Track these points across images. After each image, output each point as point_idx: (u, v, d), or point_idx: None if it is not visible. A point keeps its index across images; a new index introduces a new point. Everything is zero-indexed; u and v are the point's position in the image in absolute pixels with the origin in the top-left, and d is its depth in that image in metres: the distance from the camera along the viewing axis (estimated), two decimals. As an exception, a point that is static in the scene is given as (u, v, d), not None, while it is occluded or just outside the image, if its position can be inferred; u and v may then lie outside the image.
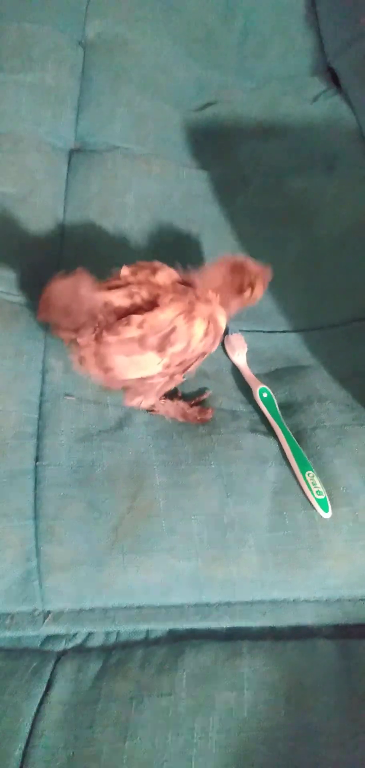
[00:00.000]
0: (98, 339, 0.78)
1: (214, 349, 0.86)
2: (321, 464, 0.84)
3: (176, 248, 1.11)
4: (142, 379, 0.82)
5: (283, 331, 1.06)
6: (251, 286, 0.86)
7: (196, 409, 0.90)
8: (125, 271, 0.83)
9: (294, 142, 1.36)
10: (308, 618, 0.77)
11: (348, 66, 1.46)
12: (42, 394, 0.88)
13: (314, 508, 0.80)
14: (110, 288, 0.81)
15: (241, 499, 0.81)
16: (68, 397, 0.88)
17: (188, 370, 0.85)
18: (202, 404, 0.92)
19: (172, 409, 0.89)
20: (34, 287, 0.85)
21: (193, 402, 0.91)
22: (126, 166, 1.17)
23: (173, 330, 0.78)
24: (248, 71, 1.50)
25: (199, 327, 0.80)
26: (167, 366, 0.80)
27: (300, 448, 0.85)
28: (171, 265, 0.86)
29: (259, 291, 0.88)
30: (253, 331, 1.06)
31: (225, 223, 1.19)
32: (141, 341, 0.77)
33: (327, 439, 0.87)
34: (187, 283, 0.83)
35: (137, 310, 0.78)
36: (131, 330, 0.77)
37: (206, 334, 0.81)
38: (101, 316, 0.78)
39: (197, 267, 0.86)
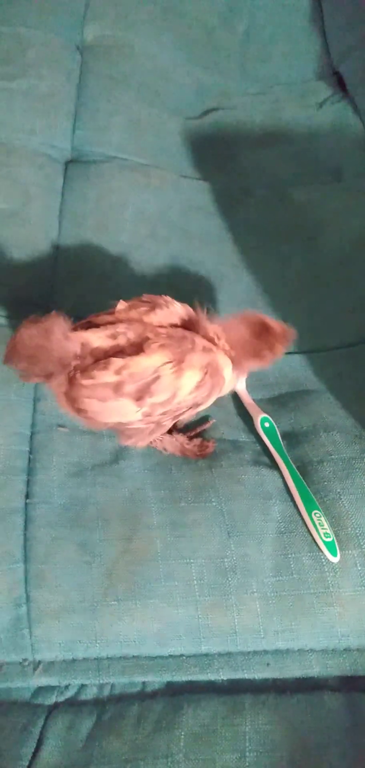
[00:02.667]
0: (71, 381, 0.73)
1: (210, 401, 0.80)
2: (327, 501, 0.79)
3: (176, 264, 1.07)
4: (122, 424, 0.77)
5: (287, 353, 1.01)
6: (271, 348, 0.81)
7: (196, 443, 0.85)
8: (120, 306, 0.78)
9: (298, 150, 1.32)
10: (314, 669, 0.72)
11: (355, 70, 1.41)
12: (33, 425, 0.84)
13: (321, 551, 0.75)
14: (89, 326, 0.76)
15: (243, 540, 0.77)
16: (61, 428, 0.83)
17: (180, 419, 0.80)
18: (203, 436, 0.87)
19: (169, 444, 0.84)
20: (25, 309, 0.81)
21: (193, 434, 0.86)
22: (124, 178, 1.13)
23: (155, 379, 0.71)
24: (251, 76, 1.45)
25: (189, 379, 0.74)
26: (148, 414, 0.74)
27: (305, 484, 0.80)
28: (187, 299, 0.81)
29: (279, 352, 0.82)
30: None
31: (227, 236, 1.15)
32: (116, 387, 0.71)
33: (334, 473, 0.82)
34: (191, 326, 0.78)
35: (118, 352, 0.73)
36: (107, 374, 0.71)
37: (199, 386, 0.75)
38: (76, 361, 0.73)
39: (210, 301, 0.84)
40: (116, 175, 1.12)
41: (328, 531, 0.76)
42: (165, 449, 0.84)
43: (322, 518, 0.77)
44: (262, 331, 0.80)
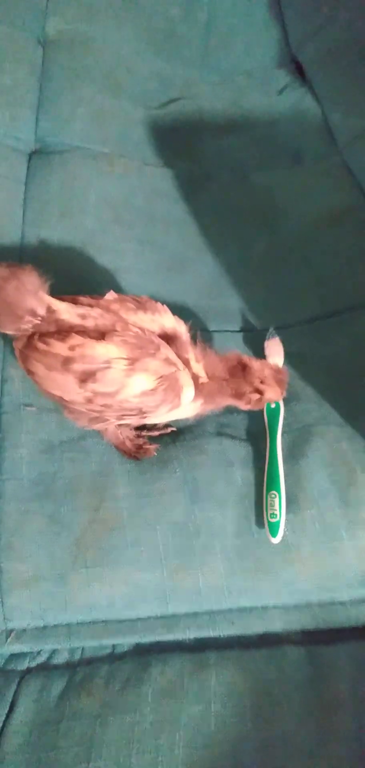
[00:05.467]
0: (29, 339, 0.75)
1: (159, 414, 0.77)
2: (287, 467, 0.83)
3: (140, 248, 1.09)
4: (63, 400, 0.76)
5: (250, 331, 1.05)
6: (259, 391, 0.80)
7: (138, 442, 0.85)
8: (109, 296, 0.80)
9: (259, 136, 1.34)
10: (276, 625, 0.76)
11: (313, 57, 1.44)
12: (1, 405, 0.86)
13: (264, 528, 0.78)
14: (65, 299, 0.78)
15: (207, 506, 0.80)
16: (29, 408, 0.85)
17: (124, 421, 0.78)
18: (155, 440, 0.87)
19: (112, 433, 0.84)
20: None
21: (145, 433, 0.86)
22: (87, 166, 1.14)
23: (104, 369, 0.72)
24: (212, 65, 1.47)
25: (138, 381, 0.73)
26: (89, 401, 0.74)
27: (278, 466, 0.82)
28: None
29: (273, 395, 0.82)
30: (221, 331, 1.04)
31: (191, 221, 1.17)
32: (65, 362, 0.72)
33: (293, 440, 0.86)
34: (170, 340, 0.78)
35: (82, 332, 0.74)
36: (61, 347, 0.72)
37: (147, 393, 0.73)
38: (34, 320, 0.75)
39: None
40: (80, 164, 1.14)
41: (276, 512, 0.78)
42: (106, 434, 0.84)
43: (276, 500, 0.79)
44: (239, 373, 0.80)
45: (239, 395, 0.80)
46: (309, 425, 0.87)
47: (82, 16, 1.38)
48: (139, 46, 1.41)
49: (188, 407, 0.80)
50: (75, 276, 0.98)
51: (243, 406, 0.82)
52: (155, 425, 0.87)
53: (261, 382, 0.80)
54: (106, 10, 1.40)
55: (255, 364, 0.81)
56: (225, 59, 1.49)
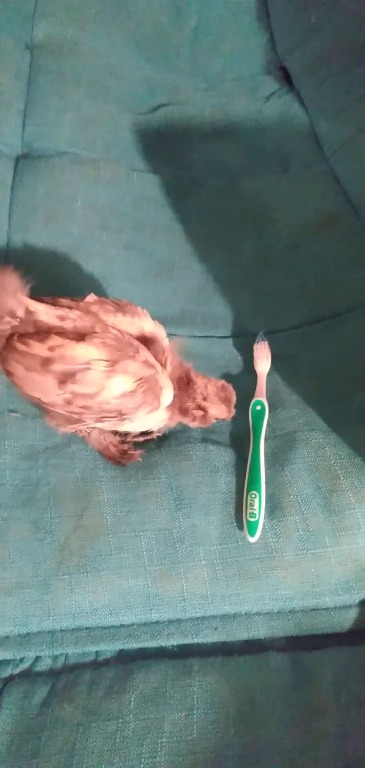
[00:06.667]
0: (8, 340, 0.75)
1: (138, 418, 0.77)
2: (271, 472, 0.83)
3: (127, 254, 1.09)
4: (42, 402, 0.76)
5: (237, 336, 1.05)
6: (202, 408, 0.80)
7: (122, 448, 0.85)
8: (90, 298, 0.80)
9: (247, 142, 1.36)
10: (260, 631, 0.76)
11: (300, 64, 1.46)
12: (-15, 411, 0.85)
13: (242, 527, 0.79)
14: (44, 301, 0.78)
15: (191, 512, 0.80)
16: (13, 414, 0.85)
17: (103, 424, 0.78)
18: (140, 445, 0.86)
19: (94, 439, 0.83)
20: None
21: (129, 438, 0.86)
22: (74, 171, 1.15)
23: (84, 370, 0.71)
24: (200, 71, 1.49)
25: (118, 383, 0.73)
26: (69, 402, 0.73)
27: (260, 467, 0.83)
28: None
29: (217, 413, 0.81)
30: (207, 336, 1.05)
31: (178, 227, 1.17)
32: (44, 362, 0.72)
33: (278, 447, 0.86)
34: (148, 343, 0.79)
35: (60, 334, 0.73)
36: (40, 348, 0.72)
37: (127, 395, 0.73)
38: (12, 320, 0.75)
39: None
40: (66, 169, 1.14)
41: (255, 512, 0.78)
42: (88, 440, 0.84)
43: (256, 500, 0.79)
44: (182, 383, 0.80)
45: (183, 411, 0.81)
46: (293, 431, 0.87)
47: (70, 21, 1.39)
48: (127, 52, 1.42)
49: (158, 416, 0.80)
50: (61, 281, 0.98)
51: (189, 422, 0.83)
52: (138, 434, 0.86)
53: (204, 399, 0.80)
54: (95, 15, 1.41)
55: (199, 380, 0.80)
56: (213, 66, 1.51)
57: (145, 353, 0.77)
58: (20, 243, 1.03)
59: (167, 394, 0.78)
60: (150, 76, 1.42)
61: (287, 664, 0.73)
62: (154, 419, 0.80)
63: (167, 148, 1.31)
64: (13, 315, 0.75)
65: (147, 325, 0.80)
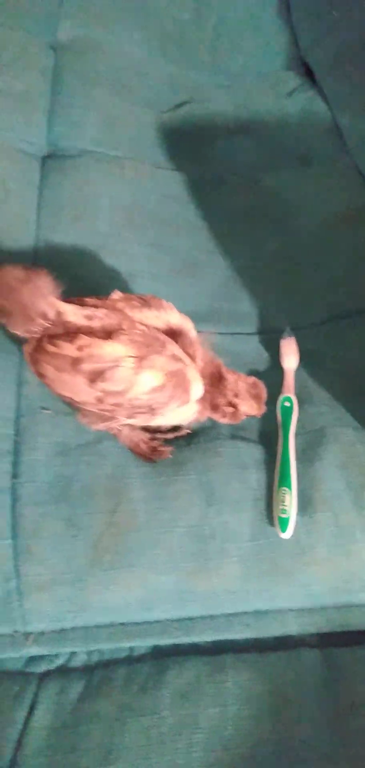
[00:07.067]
0: (38, 342, 0.76)
1: (169, 412, 0.78)
2: (302, 468, 0.83)
3: (152, 252, 1.10)
4: (74, 401, 0.77)
5: (263, 333, 1.05)
6: (233, 404, 0.81)
7: (153, 444, 0.85)
8: (115, 295, 0.80)
9: (269, 138, 1.35)
10: (292, 628, 0.76)
11: (322, 60, 1.44)
12: (18, 408, 0.86)
13: (273, 524, 0.79)
14: (72, 301, 0.78)
15: (222, 508, 0.80)
16: (45, 411, 0.86)
17: (135, 420, 0.79)
18: (170, 442, 0.87)
19: (126, 436, 0.84)
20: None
21: (160, 435, 0.87)
22: (99, 170, 1.15)
23: (113, 367, 0.72)
24: (222, 68, 1.48)
25: (147, 378, 0.73)
26: (100, 401, 0.74)
27: (290, 463, 0.83)
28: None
29: (248, 409, 0.82)
30: (232, 333, 1.05)
31: (201, 223, 1.17)
32: (74, 362, 0.73)
33: (307, 442, 0.86)
34: (176, 336, 0.79)
35: (89, 333, 0.74)
36: (70, 348, 0.73)
37: (157, 389, 0.74)
38: (45, 322, 0.76)
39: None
40: (92, 168, 1.15)
41: (286, 508, 0.78)
42: (119, 437, 0.84)
43: (286, 496, 0.79)
44: (215, 379, 0.81)
45: (214, 407, 0.81)
46: (323, 427, 0.87)
47: (94, 21, 1.39)
48: (150, 51, 1.43)
49: (192, 408, 0.80)
50: (88, 279, 0.98)
51: (219, 418, 0.83)
52: (167, 430, 0.87)
53: (235, 396, 0.80)
54: (117, 15, 1.42)
55: (230, 376, 0.81)
56: (235, 63, 1.50)
57: (172, 347, 0.77)
58: (48, 242, 1.04)
59: (197, 387, 0.79)
60: (172, 74, 1.42)
61: (319, 661, 0.74)
62: (185, 413, 0.81)
63: (190, 145, 1.30)
64: (45, 317, 0.76)
65: (173, 317, 0.81)
